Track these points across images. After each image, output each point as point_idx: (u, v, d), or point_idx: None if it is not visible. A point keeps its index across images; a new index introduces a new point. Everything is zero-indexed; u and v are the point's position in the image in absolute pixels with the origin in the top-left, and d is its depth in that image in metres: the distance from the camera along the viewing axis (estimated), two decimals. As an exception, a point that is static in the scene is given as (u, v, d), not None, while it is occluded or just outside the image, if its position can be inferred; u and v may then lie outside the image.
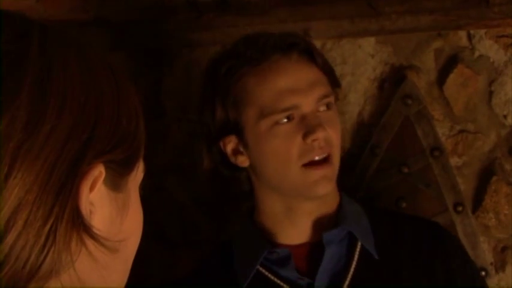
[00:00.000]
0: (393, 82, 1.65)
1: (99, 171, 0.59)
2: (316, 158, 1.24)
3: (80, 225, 0.57)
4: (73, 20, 1.66)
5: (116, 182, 0.63)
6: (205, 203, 1.75)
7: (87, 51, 0.63)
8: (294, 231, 1.31)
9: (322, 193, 1.26)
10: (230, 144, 1.30)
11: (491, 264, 1.61)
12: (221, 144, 1.31)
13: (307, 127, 1.23)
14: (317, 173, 1.24)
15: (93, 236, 0.59)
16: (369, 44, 1.67)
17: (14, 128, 0.53)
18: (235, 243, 1.36)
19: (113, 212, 0.63)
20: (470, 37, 1.62)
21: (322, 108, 1.27)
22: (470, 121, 1.63)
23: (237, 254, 1.33)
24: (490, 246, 1.62)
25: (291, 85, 1.25)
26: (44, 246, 0.55)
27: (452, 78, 1.62)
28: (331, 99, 1.29)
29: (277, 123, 1.24)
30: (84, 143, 0.57)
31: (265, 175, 1.29)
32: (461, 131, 1.63)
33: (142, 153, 0.67)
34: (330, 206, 1.32)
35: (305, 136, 1.23)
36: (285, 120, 1.24)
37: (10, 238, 0.53)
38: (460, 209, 1.58)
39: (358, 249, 1.29)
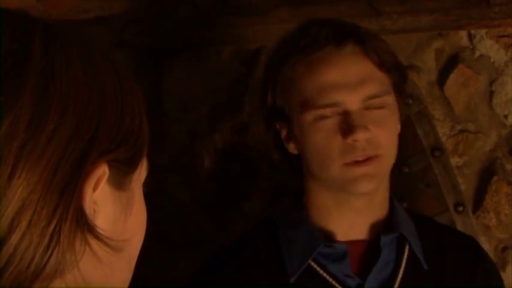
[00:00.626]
0: (394, 82, 1.65)
1: (102, 170, 0.58)
2: (358, 159, 1.19)
3: (84, 224, 0.57)
4: (73, 20, 1.66)
5: (119, 181, 0.62)
6: (205, 203, 1.75)
7: (89, 50, 0.63)
8: (347, 227, 1.26)
9: (363, 190, 1.21)
10: (283, 130, 1.27)
11: (492, 264, 1.61)
12: (278, 127, 1.28)
13: (348, 126, 1.18)
14: (358, 170, 1.19)
15: (97, 236, 0.59)
16: (369, 43, 1.66)
17: (17, 127, 0.53)
18: (282, 228, 1.29)
19: (116, 211, 0.63)
20: (470, 37, 1.62)
21: (372, 106, 1.20)
22: (471, 121, 1.63)
23: (286, 242, 1.27)
24: (490, 246, 1.62)
25: (337, 80, 1.20)
26: (48, 246, 0.54)
27: (452, 78, 1.62)
28: (384, 99, 1.21)
29: (320, 117, 1.20)
30: (88, 143, 0.57)
31: (311, 166, 1.25)
32: (461, 131, 1.63)
33: (146, 152, 0.67)
34: (381, 206, 1.28)
35: (345, 135, 1.19)
36: (328, 115, 1.20)
37: (14, 238, 0.53)
38: (460, 209, 1.58)
39: (405, 255, 1.25)
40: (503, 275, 1.60)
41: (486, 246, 1.61)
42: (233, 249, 1.32)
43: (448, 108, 1.63)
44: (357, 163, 1.19)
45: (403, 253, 1.26)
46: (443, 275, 1.26)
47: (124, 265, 0.66)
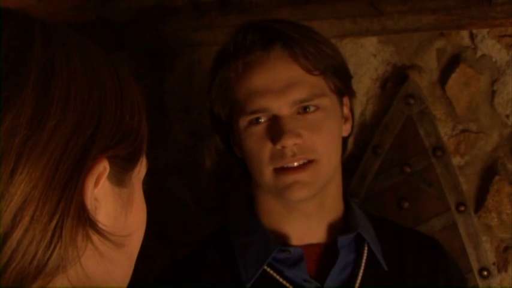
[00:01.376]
0: (395, 82, 1.65)
1: (103, 166, 0.59)
2: (288, 165, 1.17)
3: (85, 220, 0.57)
4: (75, 20, 1.66)
5: (120, 177, 0.63)
6: (207, 203, 1.75)
7: (89, 48, 0.63)
8: (301, 231, 1.25)
9: (296, 198, 1.18)
10: (232, 133, 1.27)
11: (494, 264, 1.61)
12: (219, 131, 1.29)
13: (277, 132, 1.16)
14: (289, 177, 1.17)
15: (99, 231, 0.59)
16: (371, 43, 1.66)
17: (19, 123, 0.54)
18: (235, 234, 1.27)
19: (117, 207, 0.63)
20: (472, 37, 1.62)
21: (304, 111, 1.18)
22: (473, 121, 1.62)
23: (239, 249, 1.24)
24: (492, 246, 1.61)
25: (264, 85, 1.18)
26: (50, 242, 0.55)
27: (454, 78, 1.62)
28: (316, 102, 1.19)
29: (251, 123, 1.19)
30: (89, 138, 0.58)
31: (251, 172, 1.24)
32: (463, 131, 1.63)
33: (145, 149, 0.67)
34: (334, 209, 1.26)
35: (273, 141, 1.17)
36: (257, 121, 1.19)
37: (17, 234, 0.53)
38: (462, 208, 1.58)
39: (365, 256, 1.23)
40: (505, 275, 1.60)
41: (488, 246, 1.61)
42: (186, 262, 1.29)
43: (450, 108, 1.63)
44: (287, 169, 1.17)
45: (362, 254, 1.23)
46: (403, 276, 1.24)
47: (125, 261, 0.66)
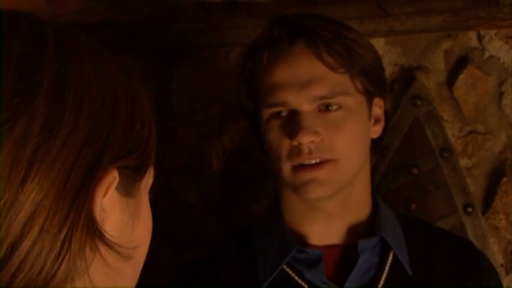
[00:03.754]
0: (403, 83, 1.65)
1: (113, 176, 0.58)
2: (305, 162, 1.15)
3: (94, 231, 0.56)
4: (82, 22, 1.67)
5: (128, 188, 0.62)
6: (214, 204, 1.75)
7: (100, 54, 0.62)
8: (321, 231, 1.22)
9: (313, 196, 1.16)
10: (258, 125, 1.25)
11: (502, 265, 1.60)
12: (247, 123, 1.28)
13: (294, 128, 1.15)
14: (305, 174, 1.15)
15: (107, 243, 0.58)
16: (378, 45, 1.66)
17: (31, 130, 0.52)
18: (257, 232, 1.26)
19: (124, 218, 0.62)
20: (480, 38, 1.61)
21: (326, 108, 1.16)
22: (480, 122, 1.62)
23: (260, 247, 1.23)
24: (500, 248, 1.61)
25: (285, 79, 1.17)
26: (59, 253, 0.54)
27: (462, 79, 1.61)
28: (337, 100, 1.16)
29: (272, 116, 1.18)
30: (100, 148, 0.56)
31: (272, 166, 1.23)
32: (471, 132, 1.62)
33: (154, 159, 0.66)
34: (358, 210, 1.23)
35: (290, 137, 1.15)
36: (279, 115, 1.18)
37: (26, 244, 0.52)
38: (469, 210, 1.57)
39: (389, 260, 1.20)
40: (513, 277, 1.60)
41: (495, 247, 1.60)
42: (205, 261, 1.28)
43: (457, 109, 1.63)
44: (304, 167, 1.15)
45: (386, 258, 1.20)
46: (430, 282, 1.21)
47: (131, 273, 0.66)
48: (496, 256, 1.59)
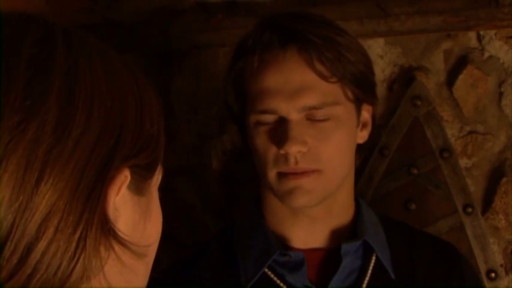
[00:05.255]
0: (402, 83, 1.65)
1: (124, 175, 0.58)
2: (291, 171, 1.14)
3: (108, 230, 0.57)
4: (82, 22, 1.67)
5: (139, 186, 0.62)
6: (214, 204, 1.75)
7: (108, 53, 0.62)
8: (304, 234, 1.22)
9: (298, 204, 1.15)
10: (244, 127, 1.24)
11: (501, 265, 1.60)
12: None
13: (282, 136, 1.13)
14: (291, 182, 1.14)
15: (121, 241, 0.59)
16: (378, 45, 1.66)
17: (43, 132, 0.53)
18: (239, 234, 1.25)
19: (136, 216, 0.62)
20: (479, 38, 1.61)
21: (314, 118, 1.15)
22: (480, 122, 1.62)
23: (241, 249, 1.22)
24: (499, 248, 1.61)
25: (276, 85, 1.14)
26: (74, 253, 0.54)
27: (461, 79, 1.61)
28: (326, 111, 1.15)
29: (260, 122, 1.17)
30: (112, 148, 0.57)
31: (257, 171, 1.22)
32: (470, 132, 1.62)
33: (162, 157, 0.67)
34: (342, 214, 1.23)
35: (278, 145, 1.14)
36: (268, 121, 1.16)
37: (41, 245, 0.53)
38: (469, 210, 1.58)
39: (372, 263, 1.20)
40: (513, 277, 1.60)
41: (495, 248, 1.60)
42: (188, 262, 1.27)
43: (457, 109, 1.63)
44: (290, 175, 1.14)
45: (369, 261, 1.20)
46: (412, 285, 1.20)
47: (144, 271, 0.66)
48: (495, 256, 1.59)
